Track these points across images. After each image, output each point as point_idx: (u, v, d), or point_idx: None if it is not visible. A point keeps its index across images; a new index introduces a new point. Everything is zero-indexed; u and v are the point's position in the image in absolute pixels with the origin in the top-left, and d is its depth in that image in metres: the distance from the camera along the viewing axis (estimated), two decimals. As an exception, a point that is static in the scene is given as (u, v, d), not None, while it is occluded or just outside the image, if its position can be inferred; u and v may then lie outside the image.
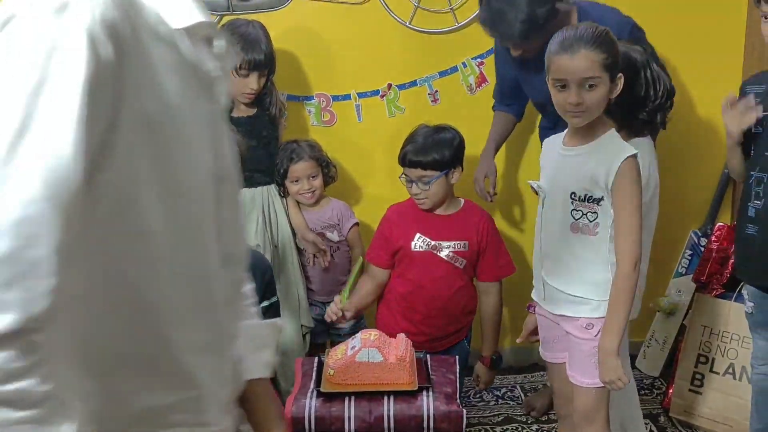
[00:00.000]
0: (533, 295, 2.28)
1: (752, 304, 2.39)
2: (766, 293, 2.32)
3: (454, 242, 2.63)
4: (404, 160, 2.61)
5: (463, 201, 2.71)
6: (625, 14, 2.60)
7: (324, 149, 2.93)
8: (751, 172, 2.28)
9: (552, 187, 2.12)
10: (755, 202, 2.26)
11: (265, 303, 2.40)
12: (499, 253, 2.71)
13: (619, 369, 2.00)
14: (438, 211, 2.67)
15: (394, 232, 2.68)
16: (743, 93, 2.39)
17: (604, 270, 2.04)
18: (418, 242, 2.63)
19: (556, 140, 2.16)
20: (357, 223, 2.95)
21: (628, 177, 1.96)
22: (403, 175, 2.64)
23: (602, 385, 2.07)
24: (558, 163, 2.10)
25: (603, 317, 2.04)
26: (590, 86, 1.95)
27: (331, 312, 2.57)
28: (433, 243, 2.62)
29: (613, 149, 1.99)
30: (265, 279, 2.46)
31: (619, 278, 2.00)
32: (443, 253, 2.63)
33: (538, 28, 2.41)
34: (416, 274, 2.65)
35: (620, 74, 1.98)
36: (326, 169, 2.90)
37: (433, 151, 2.57)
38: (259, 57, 2.69)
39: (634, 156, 1.97)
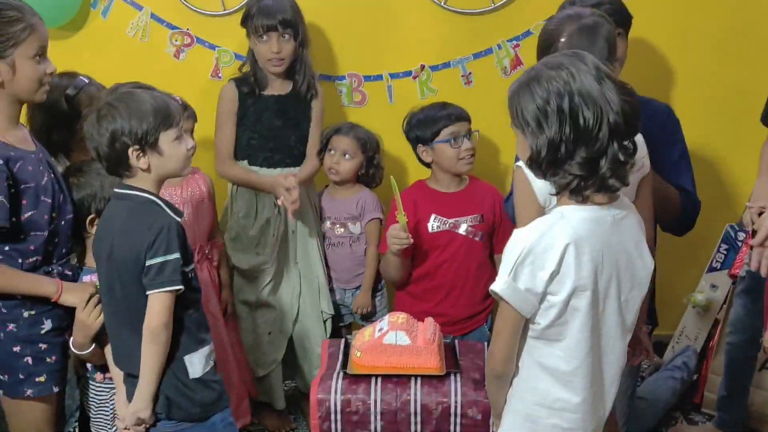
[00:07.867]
0: None
1: (748, 268, 2.27)
2: None
3: (470, 216, 2.64)
4: (450, 117, 2.61)
5: (468, 177, 2.73)
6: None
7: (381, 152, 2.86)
8: None
9: None
10: None
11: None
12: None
13: None
14: (448, 189, 2.68)
15: (408, 217, 2.61)
16: None
17: None
18: (435, 223, 2.63)
19: None
20: (380, 219, 2.83)
21: None
22: (448, 136, 2.60)
23: None
24: None
25: None
26: None
27: (398, 238, 2.49)
28: (450, 221, 2.63)
29: None
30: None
31: None
32: (461, 229, 2.63)
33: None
34: (437, 255, 2.64)
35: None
36: (368, 164, 2.82)
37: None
38: (272, 22, 2.62)
39: None
